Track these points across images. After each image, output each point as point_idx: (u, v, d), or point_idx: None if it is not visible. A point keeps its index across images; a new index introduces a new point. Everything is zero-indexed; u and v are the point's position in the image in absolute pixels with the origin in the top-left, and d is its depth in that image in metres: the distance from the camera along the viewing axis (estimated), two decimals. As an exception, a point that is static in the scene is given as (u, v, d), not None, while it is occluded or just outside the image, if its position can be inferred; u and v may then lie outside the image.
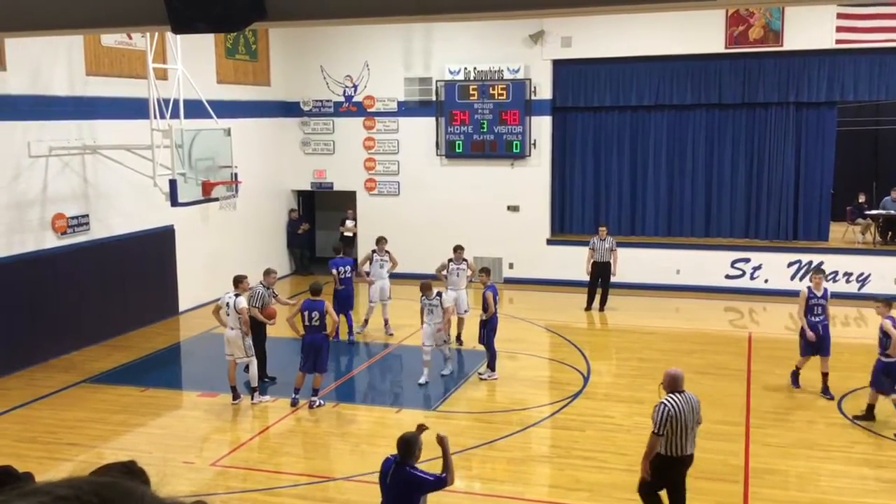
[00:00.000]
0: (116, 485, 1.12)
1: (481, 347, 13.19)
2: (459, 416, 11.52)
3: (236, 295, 11.80)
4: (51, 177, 13.93)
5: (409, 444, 6.61)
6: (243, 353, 11.76)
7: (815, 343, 11.93)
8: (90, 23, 5.34)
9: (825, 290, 12.27)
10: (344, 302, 14.74)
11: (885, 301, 11.12)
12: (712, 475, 9.42)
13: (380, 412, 11.78)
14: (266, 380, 12.63)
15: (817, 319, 12.00)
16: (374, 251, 15.44)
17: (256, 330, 12.22)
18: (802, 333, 12.08)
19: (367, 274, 15.26)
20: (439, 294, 12.73)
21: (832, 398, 11.80)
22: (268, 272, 12.82)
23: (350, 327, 14.92)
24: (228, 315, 11.78)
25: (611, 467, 9.65)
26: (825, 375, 12.00)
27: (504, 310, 13.45)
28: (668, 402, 7.62)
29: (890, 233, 19.05)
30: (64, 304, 14.12)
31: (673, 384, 7.75)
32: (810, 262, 18.15)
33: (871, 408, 11.00)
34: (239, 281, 12.03)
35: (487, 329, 12.91)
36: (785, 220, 18.84)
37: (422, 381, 12.53)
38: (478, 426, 11.09)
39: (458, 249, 14.81)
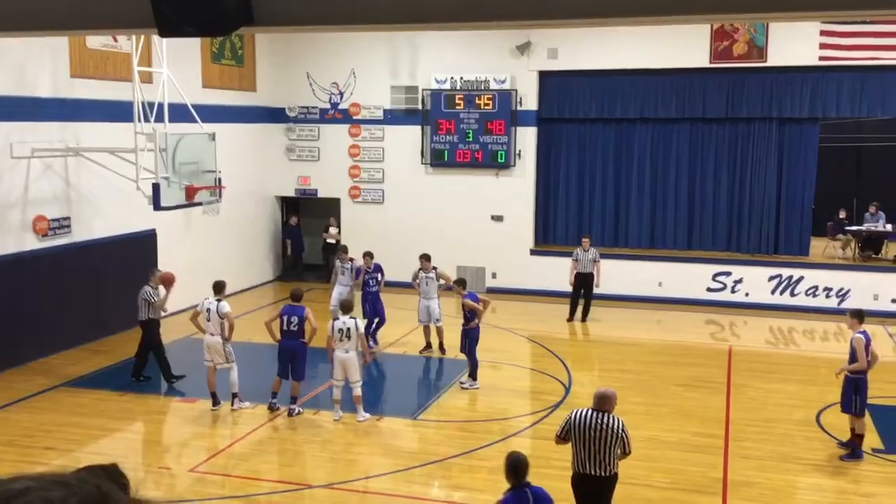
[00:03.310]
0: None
1: (463, 356, 13.18)
2: (440, 424, 11.51)
3: (218, 300, 11.76)
4: (32, 178, 13.84)
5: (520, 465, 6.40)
6: (223, 359, 11.71)
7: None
8: (76, 24, 5.32)
9: (859, 334, 10.33)
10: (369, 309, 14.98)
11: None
12: (691, 487, 9.46)
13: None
14: (174, 379, 12.84)
15: (844, 366, 10.48)
16: (337, 259, 15.46)
17: (151, 329, 12.72)
18: None
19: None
20: (355, 318, 11.43)
21: (849, 457, 10.32)
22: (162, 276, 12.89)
23: (373, 334, 14.94)
24: (209, 321, 11.73)
25: (590, 478, 9.64)
26: (858, 437, 10.40)
27: (487, 319, 13.44)
28: (574, 413, 7.52)
29: (870, 251, 19.18)
30: (43, 307, 14.01)
31: (597, 402, 7.51)
32: (791, 277, 18.29)
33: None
34: (221, 287, 12.00)
35: (469, 338, 12.91)
36: (766, 235, 18.97)
37: (336, 417, 11.48)
38: (458, 435, 11.08)
39: (424, 258, 14.76)
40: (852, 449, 10.41)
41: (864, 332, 10.39)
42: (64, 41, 14.08)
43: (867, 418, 11.30)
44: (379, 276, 15.03)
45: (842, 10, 4.46)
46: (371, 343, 14.69)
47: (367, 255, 15.14)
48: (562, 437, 7.53)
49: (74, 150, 14.40)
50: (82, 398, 12.28)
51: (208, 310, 11.73)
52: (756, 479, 9.71)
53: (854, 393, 10.32)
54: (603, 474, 7.40)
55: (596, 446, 7.33)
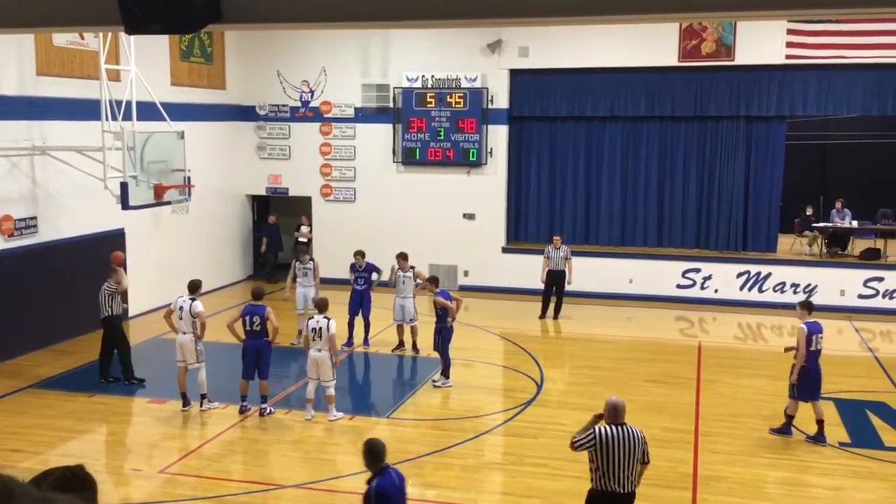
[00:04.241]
0: None
1: (436, 354, 13.19)
2: (413, 423, 11.50)
3: (192, 299, 11.67)
4: (-2, 177, 13.64)
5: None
6: (195, 359, 11.63)
7: None
8: (41, 21, 5.24)
9: (803, 324, 10.85)
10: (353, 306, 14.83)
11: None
12: (661, 482, 9.53)
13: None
14: (134, 381, 12.76)
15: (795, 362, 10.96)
16: (295, 261, 15.27)
17: (113, 325, 12.69)
18: None
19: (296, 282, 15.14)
20: (329, 318, 11.36)
21: (777, 431, 10.99)
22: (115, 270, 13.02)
23: (364, 332, 14.92)
24: (181, 319, 11.63)
25: (563, 474, 9.70)
26: (788, 416, 11.00)
27: (459, 317, 13.45)
28: (598, 432, 7.04)
29: (837, 247, 19.43)
30: (10, 308, 13.82)
31: (613, 415, 7.15)
32: (759, 273, 18.50)
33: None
34: (195, 286, 11.91)
35: (442, 336, 12.92)
36: (735, 232, 19.17)
37: (308, 417, 11.48)
38: (431, 433, 11.08)
39: (401, 257, 14.71)
40: (781, 427, 10.93)
41: (809, 323, 10.79)
42: (29, 38, 13.89)
43: (833, 412, 11.51)
44: (368, 275, 14.85)
45: (810, 10, 4.51)
46: (365, 343, 14.81)
47: (359, 254, 15.00)
48: (576, 449, 7.14)
49: (41, 148, 14.22)
50: (50, 400, 12.13)
51: (181, 308, 11.64)
52: (725, 474, 9.82)
53: (802, 380, 10.74)
54: (627, 490, 7.09)
55: (624, 462, 7.00)
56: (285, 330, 13.49)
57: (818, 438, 10.72)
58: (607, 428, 7.08)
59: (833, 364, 14.39)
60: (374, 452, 6.43)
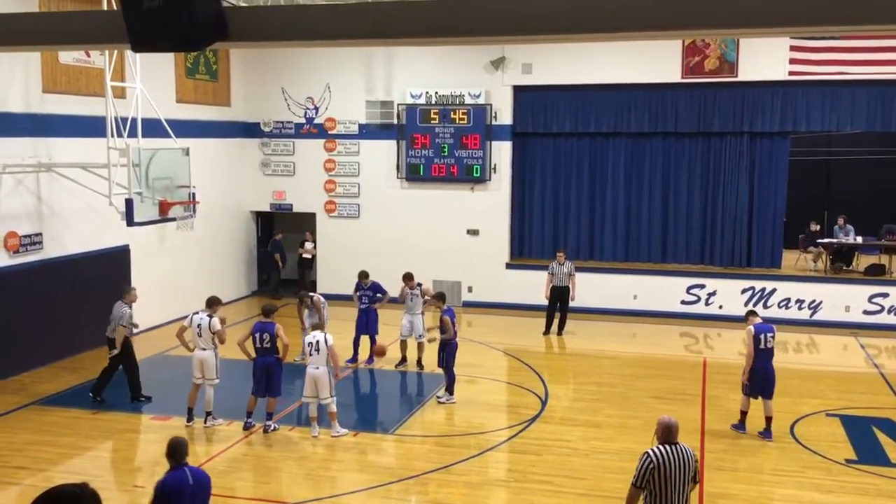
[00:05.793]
0: None
1: (440, 371, 13.17)
2: (417, 439, 11.47)
3: (210, 316, 11.67)
4: (4, 194, 13.68)
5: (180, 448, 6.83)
6: (214, 375, 11.63)
7: None
8: (48, 39, 5.28)
9: (751, 326, 11.57)
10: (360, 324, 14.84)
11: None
12: (667, 499, 9.48)
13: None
14: (142, 398, 12.75)
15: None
16: (305, 308, 15.03)
17: (125, 348, 12.65)
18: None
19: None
20: (324, 333, 11.46)
21: (737, 426, 11.64)
22: (129, 290, 13.03)
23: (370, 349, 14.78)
24: (200, 336, 11.62)
25: (567, 491, 9.66)
26: (742, 413, 11.71)
27: (463, 334, 13.46)
28: (653, 453, 6.62)
29: (841, 263, 19.38)
30: (14, 325, 13.83)
31: (666, 434, 6.73)
32: (763, 289, 18.47)
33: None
34: (213, 302, 11.92)
35: (446, 353, 12.91)
36: (739, 248, 19.16)
37: (314, 434, 11.42)
38: (436, 450, 11.05)
39: (407, 278, 14.77)
40: (738, 423, 11.69)
41: (757, 325, 11.46)
42: (36, 56, 13.98)
43: (839, 428, 11.45)
44: (372, 293, 14.82)
45: (812, 26, 4.52)
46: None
47: (363, 275, 14.98)
48: (641, 486, 6.60)
49: (46, 165, 14.27)
50: (54, 416, 12.12)
51: (199, 325, 11.63)
52: (732, 491, 9.77)
53: (748, 379, 11.44)
54: None
55: (679, 483, 6.61)
56: (294, 347, 13.49)
57: (765, 434, 11.37)
58: (661, 448, 6.66)
59: (838, 380, 14.35)
60: (172, 449, 6.83)
